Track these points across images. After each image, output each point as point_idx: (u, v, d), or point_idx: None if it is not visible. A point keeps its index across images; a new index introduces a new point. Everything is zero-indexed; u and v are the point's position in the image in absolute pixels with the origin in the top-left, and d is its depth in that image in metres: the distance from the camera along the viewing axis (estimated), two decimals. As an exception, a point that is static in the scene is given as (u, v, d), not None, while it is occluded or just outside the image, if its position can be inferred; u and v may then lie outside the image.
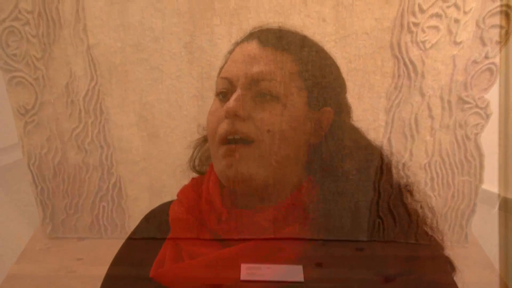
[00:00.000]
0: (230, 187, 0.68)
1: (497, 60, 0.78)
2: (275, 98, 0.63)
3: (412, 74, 0.81)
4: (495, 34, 0.76)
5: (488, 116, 0.82)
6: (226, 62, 0.68)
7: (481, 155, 0.85)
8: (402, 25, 0.78)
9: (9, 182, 1.19)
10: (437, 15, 0.76)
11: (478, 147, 0.85)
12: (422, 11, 0.77)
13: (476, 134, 0.84)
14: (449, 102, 0.82)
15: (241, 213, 0.66)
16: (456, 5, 0.76)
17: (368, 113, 0.83)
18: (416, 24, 0.78)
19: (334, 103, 0.70)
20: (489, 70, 0.79)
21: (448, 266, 0.69)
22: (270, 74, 0.63)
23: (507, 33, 0.75)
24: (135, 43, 0.83)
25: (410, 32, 0.78)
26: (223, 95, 0.66)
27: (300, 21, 0.80)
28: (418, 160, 0.87)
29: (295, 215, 0.66)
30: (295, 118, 0.64)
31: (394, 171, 0.76)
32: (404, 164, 0.89)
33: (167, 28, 0.82)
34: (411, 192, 0.75)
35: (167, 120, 0.89)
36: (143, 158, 0.92)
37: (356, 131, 0.72)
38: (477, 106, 0.82)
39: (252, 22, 0.80)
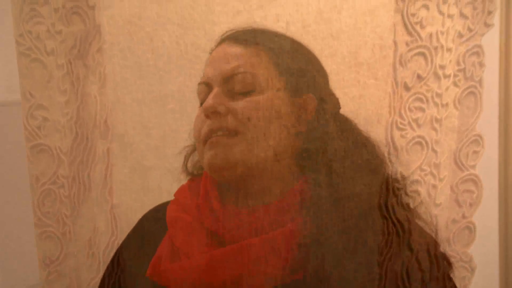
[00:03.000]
0: (219, 178, 0.66)
1: (473, 219, 0.88)
2: (251, 90, 0.64)
3: (400, 232, 0.90)
4: (468, 197, 0.87)
5: (473, 270, 0.90)
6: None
7: (472, 305, 0.91)
8: (388, 190, 0.89)
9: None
10: (417, 182, 0.88)
11: (468, 298, 0.91)
12: (403, 178, 0.89)
13: (464, 286, 0.91)
14: (435, 256, 0.90)
15: (239, 212, 0.65)
16: (432, 173, 0.88)
17: (363, 267, 0.91)
18: (399, 189, 0.89)
19: (315, 91, 0.69)
20: (468, 228, 0.88)
21: None
22: (242, 67, 0.64)
23: (477, 197, 0.87)
24: (152, 203, 0.94)
25: (395, 195, 0.89)
26: (203, 99, 0.68)
27: (298, 185, 0.92)
28: (413, 310, 0.92)
29: (291, 214, 0.65)
30: (274, 106, 0.64)
31: None
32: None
33: (182, 191, 0.94)
34: None
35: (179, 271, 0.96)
36: (155, 306, 0.98)
37: (345, 120, 0.71)
38: (461, 260, 0.90)
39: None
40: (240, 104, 0.63)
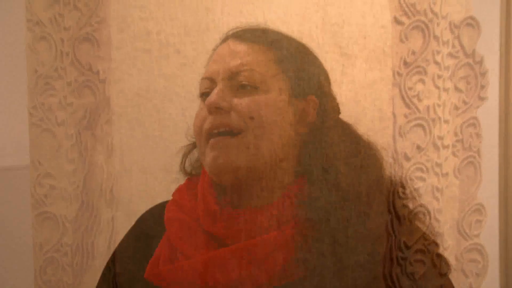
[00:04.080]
0: (220, 181, 0.65)
1: (480, 290, 0.87)
2: (255, 88, 0.64)
3: (406, 302, 0.88)
4: (474, 267, 0.86)
5: None
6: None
7: None
8: (391, 259, 0.89)
9: None
10: (421, 251, 0.88)
11: None
12: (407, 247, 0.88)
13: None
14: (444, 329, 0.88)
15: (236, 213, 0.65)
16: (436, 243, 0.88)
17: None
18: (404, 258, 0.89)
19: (318, 93, 0.68)
20: (477, 297, 0.87)
21: None
22: (248, 65, 0.64)
23: (483, 267, 0.86)
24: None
25: (399, 265, 0.89)
26: (206, 95, 0.67)
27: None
28: None
29: (289, 214, 0.64)
30: (278, 106, 0.64)
31: None
32: None
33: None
34: None
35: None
36: None
37: (345, 125, 0.71)
38: (471, 333, 0.88)
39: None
40: (244, 102, 0.63)
